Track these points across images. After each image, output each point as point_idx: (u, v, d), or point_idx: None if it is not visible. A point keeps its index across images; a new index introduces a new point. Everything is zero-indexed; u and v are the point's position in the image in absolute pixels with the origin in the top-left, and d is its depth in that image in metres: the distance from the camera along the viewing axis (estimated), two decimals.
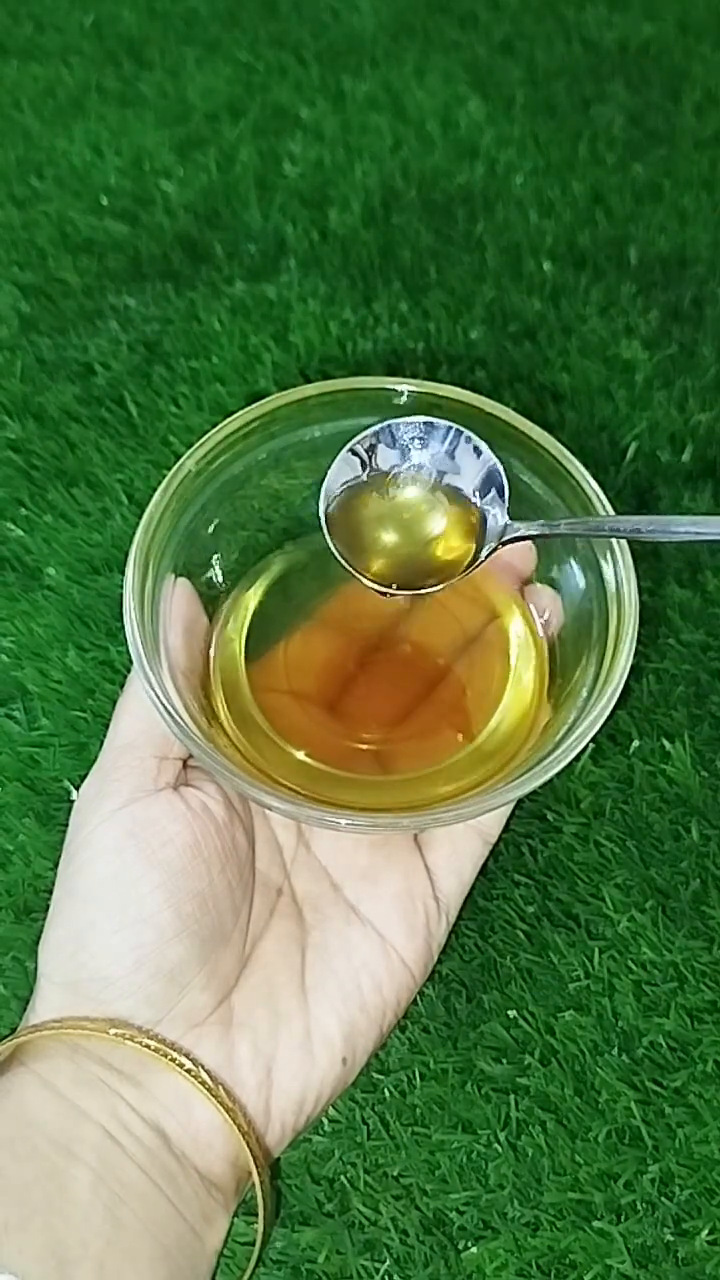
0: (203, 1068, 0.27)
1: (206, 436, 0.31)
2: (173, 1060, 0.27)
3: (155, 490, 0.30)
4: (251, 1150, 0.27)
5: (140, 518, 0.30)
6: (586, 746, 0.27)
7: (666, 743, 0.35)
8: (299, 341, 0.44)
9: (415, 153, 0.49)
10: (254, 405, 0.32)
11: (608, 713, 0.27)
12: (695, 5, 0.54)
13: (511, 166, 0.49)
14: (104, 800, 0.28)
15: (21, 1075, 0.27)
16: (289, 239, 0.47)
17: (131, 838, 0.27)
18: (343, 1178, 0.30)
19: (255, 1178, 0.27)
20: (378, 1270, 0.29)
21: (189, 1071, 0.27)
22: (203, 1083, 0.27)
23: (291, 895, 0.31)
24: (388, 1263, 0.29)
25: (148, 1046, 0.26)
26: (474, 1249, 0.29)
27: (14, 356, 0.44)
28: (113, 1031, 0.26)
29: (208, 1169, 0.27)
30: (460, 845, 0.31)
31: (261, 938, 0.30)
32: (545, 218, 0.47)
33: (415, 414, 0.32)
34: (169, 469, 0.31)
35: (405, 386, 0.32)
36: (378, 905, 0.30)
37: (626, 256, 0.46)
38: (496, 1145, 0.30)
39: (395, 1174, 0.30)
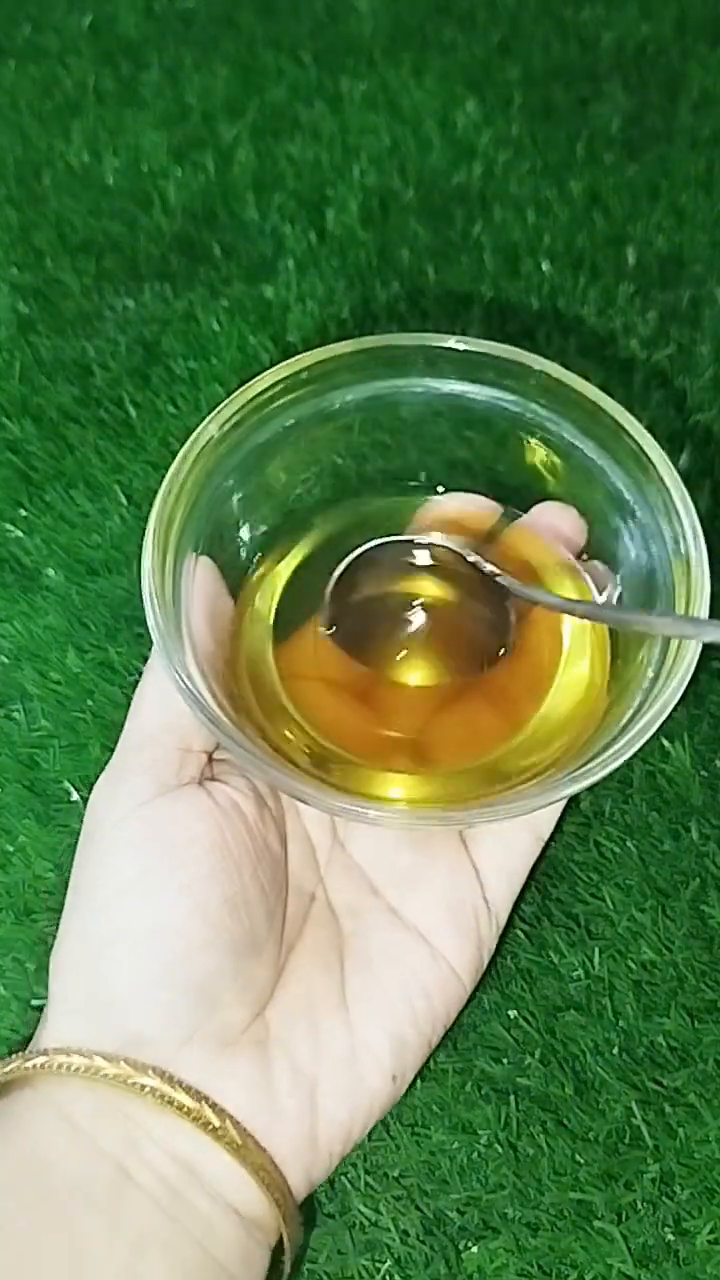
0: (229, 1119, 0.24)
1: (230, 399, 0.29)
2: (190, 1115, 0.24)
3: (174, 459, 0.28)
4: (281, 1208, 0.24)
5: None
6: (654, 734, 0.25)
7: (665, 742, 0.35)
8: (297, 342, 0.44)
9: (413, 153, 0.49)
10: (282, 365, 0.29)
11: (679, 695, 0.25)
12: (692, 5, 0.54)
13: (509, 167, 0.49)
14: (121, 798, 0.26)
15: (34, 1102, 0.24)
16: (287, 240, 0.47)
17: (153, 838, 0.25)
18: (343, 1178, 0.30)
19: (285, 1236, 0.25)
20: (378, 1270, 0.29)
21: (213, 1129, 0.24)
22: (229, 1142, 0.24)
23: (327, 901, 0.29)
24: (388, 1263, 0.29)
25: (170, 1103, 0.24)
26: (474, 1249, 0.29)
27: (12, 358, 0.44)
28: (131, 1080, 0.24)
29: (247, 1207, 0.24)
30: (511, 843, 0.29)
31: (296, 948, 0.28)
32: (543, 218, 0.47)
33: (459, 371, 0.29)
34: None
35: (446, 343, 0.29)
36: (423, 909, 0.28)
37: (624, 257, 0.46)
38: (497, 1146, 0.30)
39: (395, 1174, 0.30)
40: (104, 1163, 0.23)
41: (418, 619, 0.29)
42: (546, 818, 0.30)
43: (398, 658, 0.29)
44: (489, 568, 0.28)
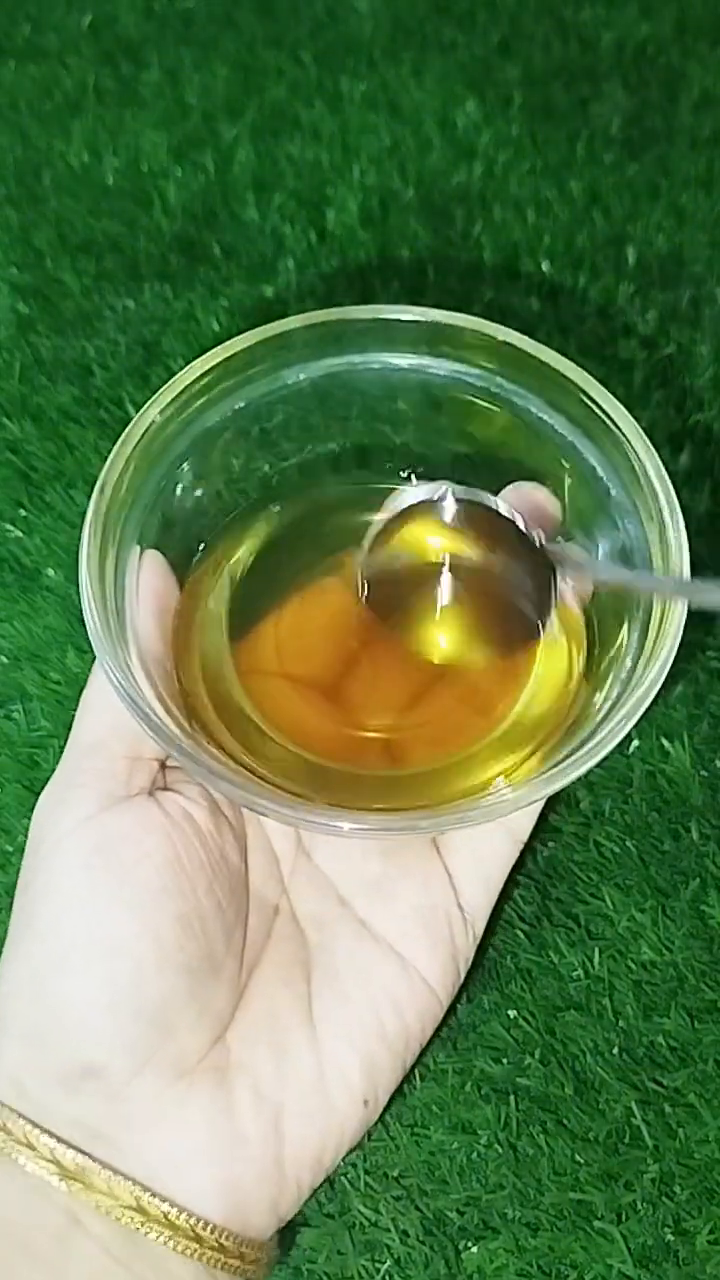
0: (182, 1220, 0.22)
1: (174, 381, 0.27)
2: (135, 1219, 0.22)
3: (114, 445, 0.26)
4: (239, 1273, 0.23)
5: None
6: (636, 726, 0.24)
7: (665, 742, 0.35)
8: None
9: (413, 153, 0.49)
10: (229, 343, 0.27)
11: (659, 684, 0.24)
12: (692, 5, 0.54)
13: (509, 167, 0.49)
14: (67, 811, 0.25)
15: None
16: (287, 240, 0.47)
17: (100, 854, 0.24)
18: (343, 1178, 0.30)
19: None
20: (378, 1271, 0.29)
21: (165, 1229, 0.22)
22: (182, 1249, 0.22)
23: (291, 913, 0.28)
24: (388, 1263, 0.29)
25: (111, 1211, 0.22)
26: (474, 1249, 0.29)
27: (12, 358, 0.44)
28: (67, 1189, 0.22)
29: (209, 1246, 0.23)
30: (486, 848, 0.28)
31: (259, 965, 0.26)
32: (543, 218, 0.47)
33: (418, 344, 0.27)
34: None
35: (404, 315, 0.27)
36: (394, 920, 0.27)
37: (624, 256, 0.46)
38: (496, 1146, 0.30)
39: (395, 1175, 0.30)
40: (52, 1209, 0.22)
41: (456, 587, 0.26)
42: (524, 819, 0.29)
43: (431, 629, 0.27)
44: (539, 537, 0.25)
